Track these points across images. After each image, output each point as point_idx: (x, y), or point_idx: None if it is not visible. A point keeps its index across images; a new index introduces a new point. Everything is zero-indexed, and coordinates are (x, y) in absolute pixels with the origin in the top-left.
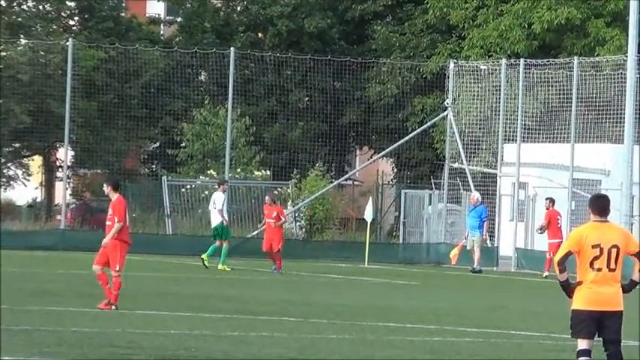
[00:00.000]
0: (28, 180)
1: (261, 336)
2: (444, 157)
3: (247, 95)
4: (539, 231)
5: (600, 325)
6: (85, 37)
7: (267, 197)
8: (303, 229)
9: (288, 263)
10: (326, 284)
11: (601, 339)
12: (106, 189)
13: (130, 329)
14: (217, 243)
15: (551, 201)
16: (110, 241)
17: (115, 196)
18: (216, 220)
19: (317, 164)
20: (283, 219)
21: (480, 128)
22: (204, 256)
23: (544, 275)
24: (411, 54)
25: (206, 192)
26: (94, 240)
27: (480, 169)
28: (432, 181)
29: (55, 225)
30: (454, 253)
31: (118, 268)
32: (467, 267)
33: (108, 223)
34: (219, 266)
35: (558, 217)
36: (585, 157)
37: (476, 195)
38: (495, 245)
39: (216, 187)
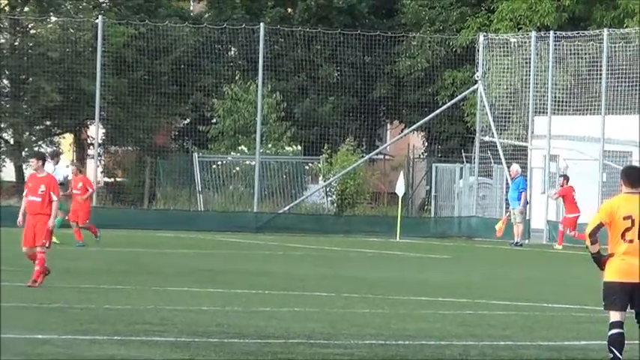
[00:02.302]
0: (59, 158)
1: (293, 311)
2: (475, 130)
3: (277, 70)
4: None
5: (632, 296)
6: (115, 13)
7: (72, 167)
8: (335, 204)
9: (319, 238)
10: (358, 259)
11: (633, 311)
12: (35, 164)
13: (162, 306)
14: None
15: (565, 178)
16: (53, 220)
17: (44, 172)
18: None
19: (348, 139)
20: (90, 190)
21: (510, 101)
22: None
23: (555, 247)
24: (441, 27)
25: (237, 168)
26: (126, 218)
27: (510, 142)
28: (463, 154)
29: None
30: (499, 226)
31: (48, 245)
32: (497, 240)
33: (34, 198)
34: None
35: (573, 193)
36: (616, 129)
37: (515, 167)
38: (527, 218)
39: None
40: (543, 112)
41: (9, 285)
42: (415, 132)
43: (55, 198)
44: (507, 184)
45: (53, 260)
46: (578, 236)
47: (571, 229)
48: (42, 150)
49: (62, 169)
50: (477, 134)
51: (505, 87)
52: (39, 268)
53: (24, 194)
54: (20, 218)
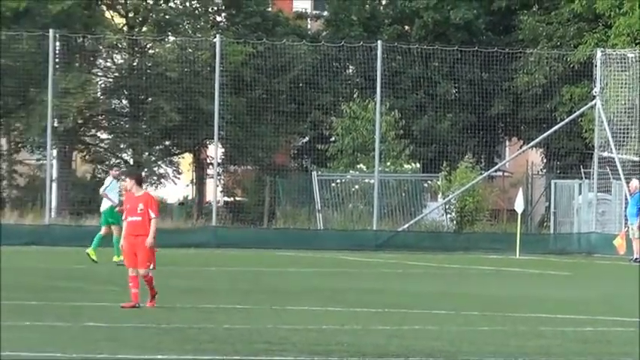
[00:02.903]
0: (179, 178)
1: (413, 329)
2: (593, 146)
3: (395, 88)
4: None
5: None
6: (233, 32)
7: (125, 182)
8: (454, 221)
9: (439, 256)
10: (477, 276)
11: None
12: (129, 183)
13: (282, 325)
14: (102, 232)
15: None
16: (151, 238)
17: (140, 191)
18: (104, 205)
19: (466, 156)
20: None
21: (628, 117)
22: (89, 250)
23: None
24: (558, 43)
25: (356, 186)
26: (246, 237)
27: (629, 157)
28: (582, 170)
29: (207, 222)
30: (619, 242)
31: (152, 267)
32: (616, 257)
33: (133, 218)
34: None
35: None
36: None
37: (635, 182)
38: None
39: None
40: None
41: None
42: (534, 148)
43: (153, 215)
44: (627, 199)
45: (172, 280)
46: None
47: None
48: (162, 170)
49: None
50: (596, 150)
51: (623, 102)
52: (152, 289)
53: (123, 217)
54: (122, 242)
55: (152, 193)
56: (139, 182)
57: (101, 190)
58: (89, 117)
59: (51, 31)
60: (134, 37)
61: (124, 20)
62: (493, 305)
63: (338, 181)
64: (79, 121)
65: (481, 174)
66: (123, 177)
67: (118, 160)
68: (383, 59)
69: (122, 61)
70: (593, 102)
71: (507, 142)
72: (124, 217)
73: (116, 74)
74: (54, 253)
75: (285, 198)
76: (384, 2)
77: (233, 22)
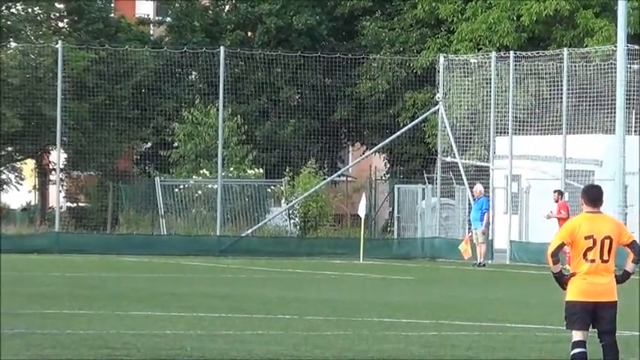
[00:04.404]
0: (21, 184)
1: (257, 334)
2: (436, 151)
3: (238, 94)
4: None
5: (594, 316)
6: (75, 38)
7: None
8: (298, 227)
9: (283, 261)
10: (321, 281)
11: (596, 330)
12: None
13: (125, 330)
14: None
15: (560, 193)
16: None
17: None
18: None
19: (309, 161)
20: None
21: (471, 122)
22: None
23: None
24: (401, 49)
25: (200, 192)
26: (89, 243)
27: (472, 162)
28: (425, 175)
29: (50, 228)
30: (464, 248)
31: None
32: (460, 261)
33: None
34: None
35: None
36: (578, 148)
37: (478, 187)
38: (490, 238)
39: None
40: (504, 133)
41: None
42: (377, 153)
43: None
44: (470, 204)
45: (15, 285)
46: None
47: None
48: (4, 176)
49: None
50: (439, 155)
51: (466, 107)
52: None
53: None
54: None
55: None
56: None
57: None
58: None
59: None
60: None
61: None
62: (337, 310)
63: (181, 186)
64: None
65: (324, 179)
66: None
67: None
68: (225, 65)
69: None
70: (436, 107)
71: (350, 148)
72: None
73: None
74: None
75: (128, 203)
76: (226, 8)
77: (75, 29)
